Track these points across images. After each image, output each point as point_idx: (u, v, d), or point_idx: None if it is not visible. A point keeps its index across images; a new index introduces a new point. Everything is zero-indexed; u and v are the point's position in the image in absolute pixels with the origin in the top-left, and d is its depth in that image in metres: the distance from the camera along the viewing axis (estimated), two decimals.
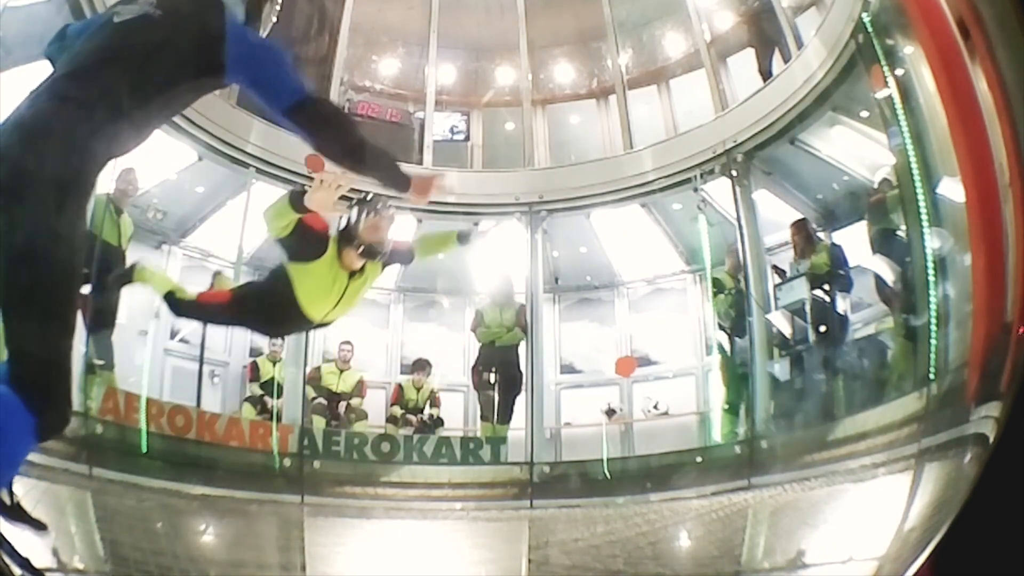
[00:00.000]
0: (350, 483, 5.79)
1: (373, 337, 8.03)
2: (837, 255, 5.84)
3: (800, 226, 6.16)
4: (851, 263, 5.80)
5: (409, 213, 7.28)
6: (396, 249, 2.97)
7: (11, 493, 1.74)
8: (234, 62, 1.61)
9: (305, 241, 2.68)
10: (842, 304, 5.69)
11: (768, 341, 6.03)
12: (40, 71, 1.66)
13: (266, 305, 2.93)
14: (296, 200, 2.54)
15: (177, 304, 3.16)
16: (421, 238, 3.43)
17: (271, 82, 1.66)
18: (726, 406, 6.20)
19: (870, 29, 5.08)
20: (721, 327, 6.50)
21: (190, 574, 2.05)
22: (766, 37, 6.92)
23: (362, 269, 2.83)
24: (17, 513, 1.74)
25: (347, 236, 2.78)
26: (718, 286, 6.56)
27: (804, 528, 3.19)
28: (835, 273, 5.69)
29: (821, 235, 6.38)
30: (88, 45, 1.62)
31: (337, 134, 1.74)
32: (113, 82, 1.53)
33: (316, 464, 5.83)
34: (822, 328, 5.59)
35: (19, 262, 1.38)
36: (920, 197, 4.48)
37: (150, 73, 1.56)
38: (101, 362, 5.13)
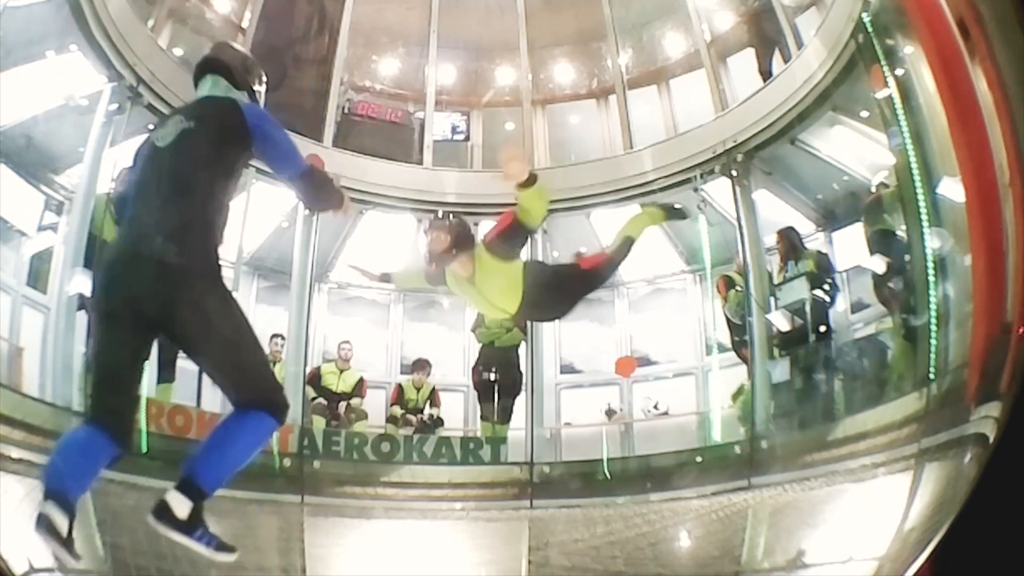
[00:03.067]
0: (350, 483, 5.79)
1: (373, 337, 8.02)
2: (823, 263, 5.88)
3: (784, 234, 6.15)
4: (838, 269, 5.96)
5: (409, 213, 7.40)
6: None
7: (71, 529, 1.69)
8: (255, 129, 2.15)
9: (438, 281, 3.46)
10: (830, 309, 5.75)
11: (768, 341, 6.03)
12: (39, 71, 1.67)
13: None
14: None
15: None
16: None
17: (282, 157, 2.23)
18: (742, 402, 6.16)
19: (870, 29, 5.08)
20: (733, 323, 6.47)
21: (190, 575, 2.05)
22: (766, 37, 6.92)
23: (474, 274, 3.23)
24: (69, 544, 1.70)
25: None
26: (730, 283, 6.53)
27: (804, 528, 3.18)
28: (821, 280, 5.71)
29: (821, 234, 6.35)
30: (146, 174, 2.10)
31: (323, 196, 2.40)
32: (192, 188, 2.05)
33: (316, 464, 5.83)
34: (810, 330, 5.63)
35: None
36: (920, 197, 4.48)
37: (208, 167, 2.08)
38: None
